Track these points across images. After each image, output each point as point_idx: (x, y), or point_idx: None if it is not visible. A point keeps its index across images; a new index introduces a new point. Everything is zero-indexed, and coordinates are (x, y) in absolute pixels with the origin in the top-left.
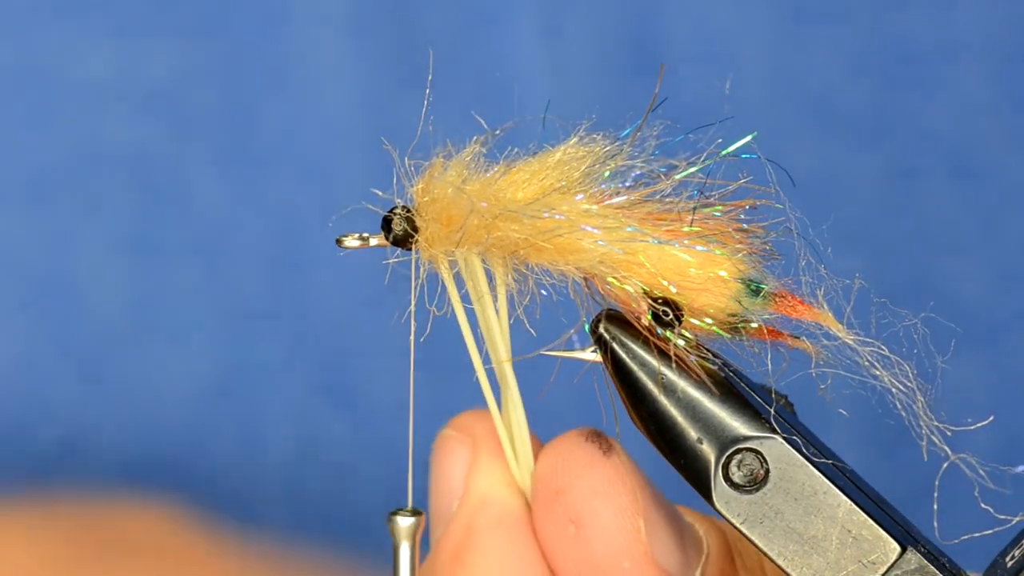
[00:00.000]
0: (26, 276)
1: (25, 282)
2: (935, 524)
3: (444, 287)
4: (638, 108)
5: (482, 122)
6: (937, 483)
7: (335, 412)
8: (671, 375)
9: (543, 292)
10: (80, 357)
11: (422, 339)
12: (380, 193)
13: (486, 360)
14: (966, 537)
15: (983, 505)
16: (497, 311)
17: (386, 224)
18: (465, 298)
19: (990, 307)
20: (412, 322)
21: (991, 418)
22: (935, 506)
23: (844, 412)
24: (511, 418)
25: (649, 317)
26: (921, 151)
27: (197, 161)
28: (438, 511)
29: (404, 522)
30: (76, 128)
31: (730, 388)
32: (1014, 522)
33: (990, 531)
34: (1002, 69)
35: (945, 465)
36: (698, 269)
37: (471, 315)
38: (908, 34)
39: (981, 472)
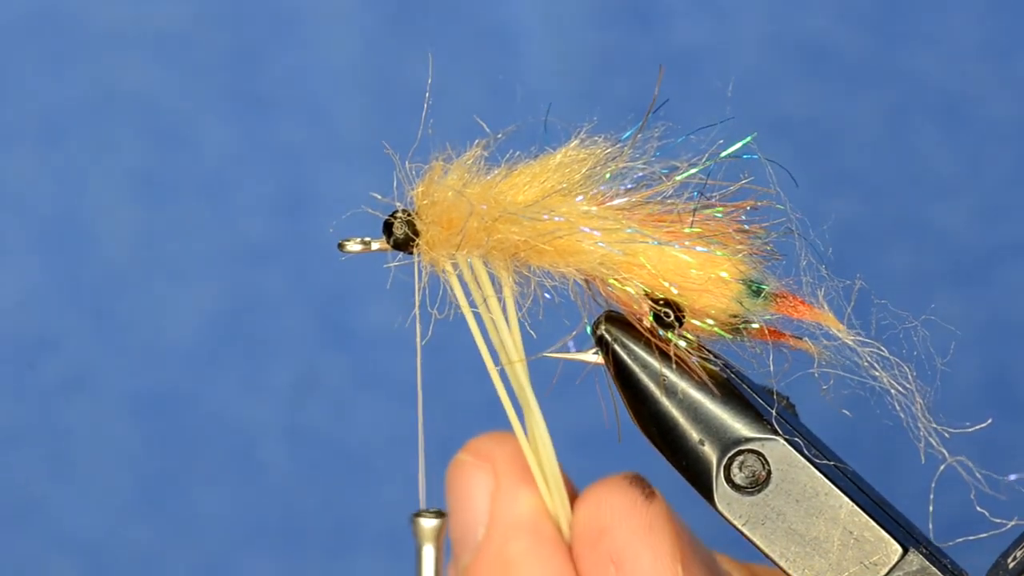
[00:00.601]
0: (36, 216)
1: (35, 222)
2: (930, 526)
3: (446, 290)
4: (639, 108)
5: (484, 125)
6: (933, 485)
7: (336, 349)
8: (672, 376)
9: (545, 295)
10: (88, 295)
11: (424, 342)
12: (380, 197)
13: (497, 362)
14: (960, 540)
15: (979, 508)
16: (506, 314)
17: (387, 228)
18: (467, 300)
19: (975, 242)
20: (417, 325)
21: (989, 420)
22: (930, 508)
23: (847, 412)
24: (535, 435)
25: (650, 318)
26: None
27: (205, 103)
28: (462, 537)
29: (428, 524)
30: (87, 71)
31: (732, 389)
32: (1009, 526)
33: (985, 534)
34: (989, 13)
35: (942, 467)
36: (699, 270)
37: (476, 318)
38: None
39: (978, 475)
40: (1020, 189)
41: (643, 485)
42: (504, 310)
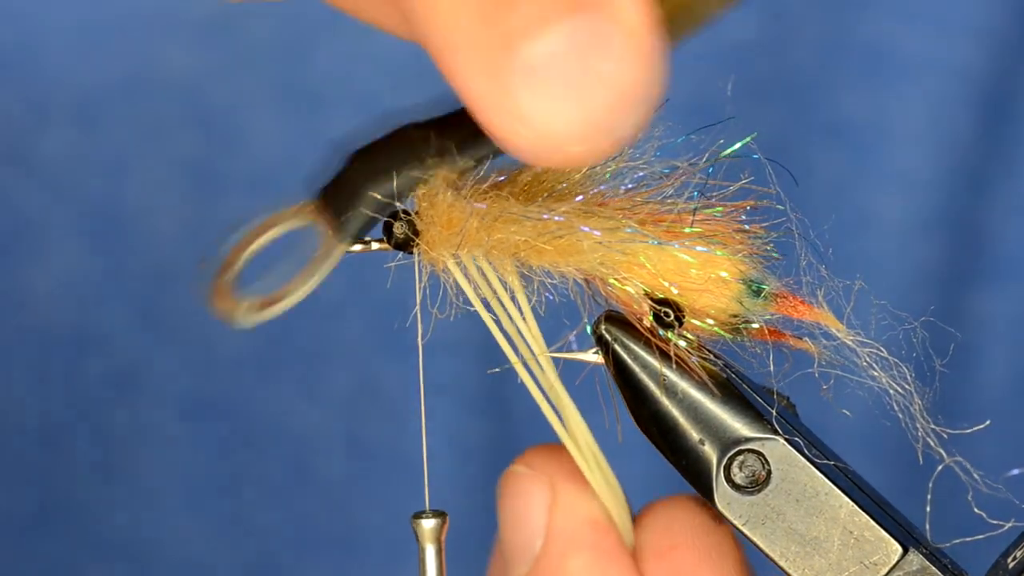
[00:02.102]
0: (81, 204)
1: (80, 210)
2: (927, 527)
3: (445, 290)
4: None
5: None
6: (931, 486)
7: (393, 355)
8: (672, 376)
9: (546, 294)
10: (135, 289)
11: (425, 339)
12: (379, 197)
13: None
14: (958, 541)
15: (976, 510)
16: (521, 311)
17: (387, 228)
18: (467, 301)
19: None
20: (419, 324)
21: (988, 422)
22: (927, 508)
23: (847, 412)
24: (578, 437)
25: (650, 318)
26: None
27: (253, 94)
28: (516, 550)
29: (428, 524)
30: (131, 55)
31: (732, 389)
32: (1007, 527)
33: (982, 535)
34: None
35: (940, 468)
36: (699, 270)
37: (474, 317)
38: None
39: (975, 476)
40: None
41: (711, 510)
42: (518, 306)
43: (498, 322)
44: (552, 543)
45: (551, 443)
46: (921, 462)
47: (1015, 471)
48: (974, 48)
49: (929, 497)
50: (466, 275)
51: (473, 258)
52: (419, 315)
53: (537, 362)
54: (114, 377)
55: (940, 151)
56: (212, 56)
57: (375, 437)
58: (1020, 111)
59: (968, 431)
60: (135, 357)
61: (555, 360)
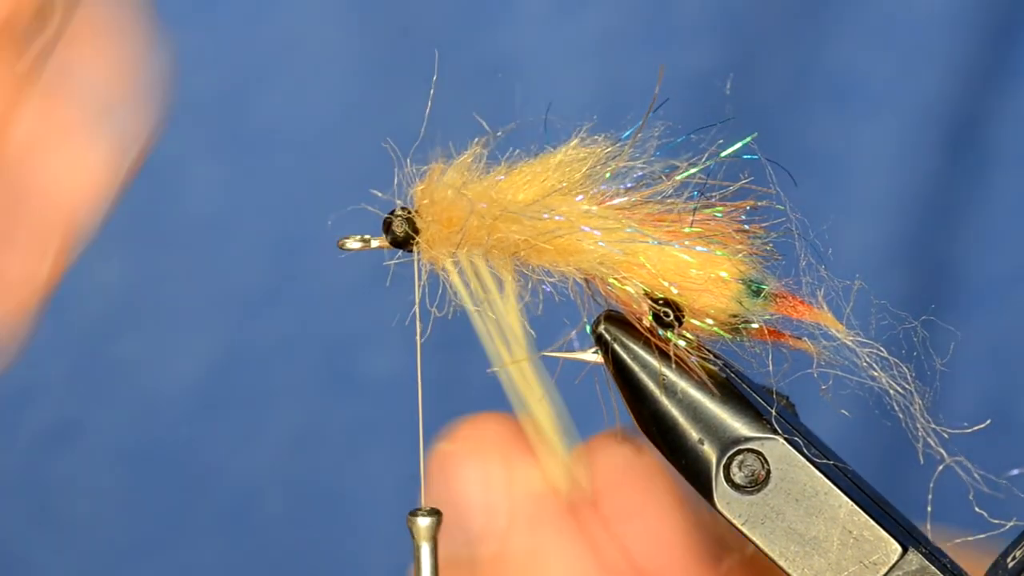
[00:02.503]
0: None
1: None
2: (928, 526)
3: (446, 288)
4: (639, 106)
5: (483, 123)
6: (932, 486)
7: (335, 397)
8: (672, 376)
9: (544, 292)
10: (76, 342)
11: (424, 339)
12: (380, 194)
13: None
14: (959, 541)
15: (977, 509)
16: (508, 308)
17: (387, 226)
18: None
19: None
20: (417, 323)
21: (988, 422)
22: (929, 508)
23: (846, 413)
24: (536, 412)
25: (650, 318)
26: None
27: (192, 145)
28: (465, 527)
29: (423, 522)
30: None
31: (731, 389)
32: (1008, 527)
33: (983, 535)
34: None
35: (940, 468)
36: (699, 270)
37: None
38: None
39: (976, 475)
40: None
41: (632, 440)
42: (507, 307)
43: (494, 323)
44: (515, 519)
45: (479, 415)
46: (922, 461)
47: (1015, 471)
48: (940, 80)
49: (930, 497)
50: (462, 276)
51: (468, 258)
52: (417, 314)
53: (539, 361)
54: (51, 429)
55: (906, 182)
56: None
57: (316, 479)
58: (985, 142)
59: (968, 430)
60: (72, 408)
61: (555, 360)
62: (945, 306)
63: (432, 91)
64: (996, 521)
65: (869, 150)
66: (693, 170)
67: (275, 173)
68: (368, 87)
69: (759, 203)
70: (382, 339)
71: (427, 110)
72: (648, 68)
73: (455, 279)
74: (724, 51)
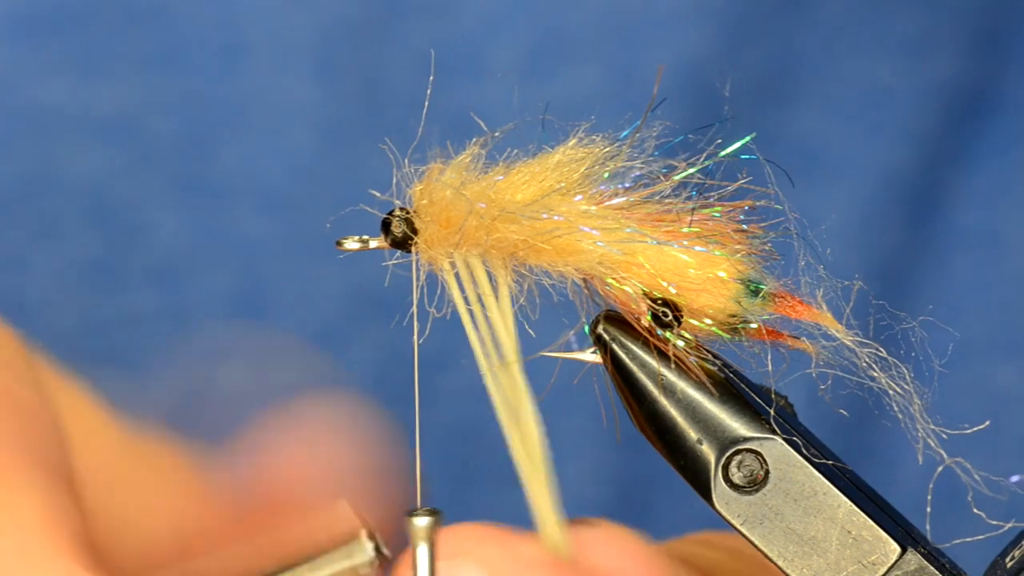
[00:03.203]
0: None
1: None
2: (927, 527)
3: (444, 289)
4: (638, 106)
5: (481, 124)
6: (931, 487)
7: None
8: (671, 376)
9: (543, 292)
10: None
11: (421, 341)
12: (379, 195)
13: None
14: (958, 541)
15: (975, 510)
16: (501, 311)
17: (385, 226)
18: (467, 300)
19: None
20: (415, 323)
21: (987, 423)
22: (928, 509)
23: (844, 413)
24: (528, 441)
25: (648, 318)
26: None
27: (155, 192)
28: None
29: (421, 523)
30: (31, 153)
31: (730, 389)
32: (1007, 528)
33: (983, 536)
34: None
35: (940, 468)
36: (697, 270)
37: (472, 318)
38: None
39: (976, 476)
40: None
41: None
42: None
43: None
44: None
45: (472, 525)
46: (921, 461)
47: (1015, 478)
48: (903, 149)
49: (929, 498)
50: (457, 280)
51: (465, 259)
52: (415, 314)
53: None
54: None
55: (868, 249)
56: (112, 154)
57: None
58: (948, 212)
59: (969, 431)
60: None
61: (553, 360)
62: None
63: (429, 91)
64: (995, 522)
65: (832, 217)
66: (691, 170)
67: (238, 222)
68: (334, 138)
69: (757, 203)
70: (339, 387)
71: (424, 109)
72: (656, 113)
73: (450, 281)
74: (689, 116)
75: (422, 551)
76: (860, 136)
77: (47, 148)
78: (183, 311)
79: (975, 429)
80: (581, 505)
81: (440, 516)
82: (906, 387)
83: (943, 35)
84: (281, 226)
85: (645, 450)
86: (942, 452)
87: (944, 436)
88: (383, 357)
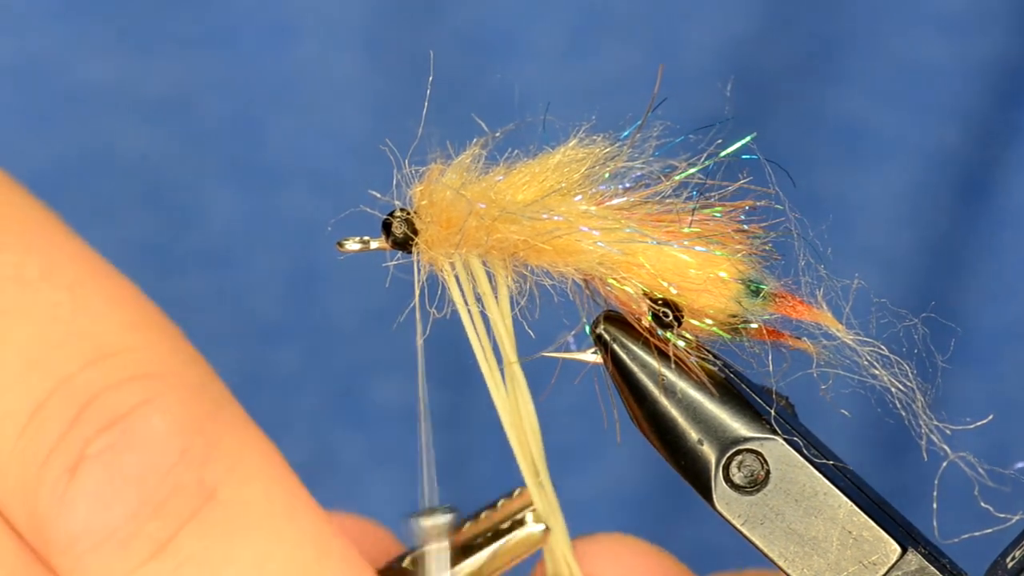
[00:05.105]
0: None
1: None
2: (934, 523)
3: (445, 289)
4: (678, 86)
5: (482, 124)
6: (936, 482)
7: (349, 425)
8: (671, 376)
9: (544, 292)
10: None
11: (423, 339)
12: (379, 196)
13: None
14: (966, 536)
15: (983, 504)
16: (501, 311)
17: (386, 227)
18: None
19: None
20: (417, 323)
21: (990, 416)
22: (935, 505)
23: (846, 412)
24: (527, 438)
25: (649, 318)
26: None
27: (207, 172)
28: None
29: (430, 523)
30: (83, 134)
31: (730, 389)
32: (1013, 520)
33: (990, 530)
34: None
35: (944, 464)
36: (698, 270)
37: (472, 318)
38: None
39: (981, 471)
40: None
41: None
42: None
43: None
44: None
45: None
46: (926, 458)
47: (1020, 464)
48: (950, 129)
49: (935, 494)
50: (457, 281)
51: (465, 260)
52: (417, 314)
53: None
54: None
55: (915, 230)
56: (164, 135)
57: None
58: (998, 190)
59: (971, 426)
60: None
61: (553, 360)
62: (953, 358)
63: (428, 91)
64: (1002, 515)
65: (878, 197)
66: (692, 170)
67: (290, 200)
68: (384, 116)
69: (758, 203)
70: (394, 368)
71: (424, 110)
72: (656, 113)
73: (450, 281)
74: (733, 98)
75: (431, 551)
76: (908, 115)
77: (97, 129)
78: (234, 291)
79: (978, 424)
80: (581, 505)
81: (452, 516)
82: (909, 384)
83: (991, 12)
84: (333, 206)
85: (644, 450)
86: (946, 447)
87: (948, 432)
88: (434, 338)
